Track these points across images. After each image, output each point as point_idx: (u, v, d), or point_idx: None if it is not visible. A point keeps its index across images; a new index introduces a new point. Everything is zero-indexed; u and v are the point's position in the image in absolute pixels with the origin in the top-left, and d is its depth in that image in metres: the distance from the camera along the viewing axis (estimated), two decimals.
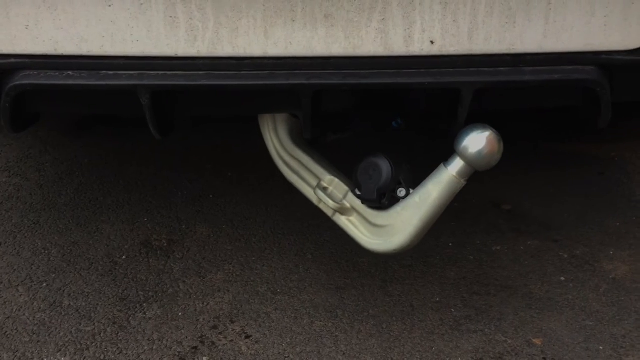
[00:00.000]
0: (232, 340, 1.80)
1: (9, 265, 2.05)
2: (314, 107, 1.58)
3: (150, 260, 2.07)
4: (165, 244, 2.14)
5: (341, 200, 1.72)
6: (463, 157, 1.55)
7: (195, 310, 1.89)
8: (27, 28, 1.48)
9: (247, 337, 1.81)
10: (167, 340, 1.80)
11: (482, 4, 1.47)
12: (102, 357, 1.75)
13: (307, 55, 1.51)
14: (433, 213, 1.61)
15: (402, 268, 2.04)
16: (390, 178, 1.64)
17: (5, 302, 1.91)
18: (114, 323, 1.85)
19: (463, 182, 1.59)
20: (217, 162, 2.54)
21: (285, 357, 1.75)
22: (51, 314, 1.87)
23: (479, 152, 1.54)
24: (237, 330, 1.83)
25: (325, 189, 1.74)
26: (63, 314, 1.87)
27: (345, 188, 1.73)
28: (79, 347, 1.77)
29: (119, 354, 1.75)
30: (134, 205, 2.31)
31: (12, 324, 1.84)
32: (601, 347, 1.78)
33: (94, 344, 1.78)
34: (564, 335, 1.82)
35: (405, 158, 1.70)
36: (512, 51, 1.52)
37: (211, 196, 2.36)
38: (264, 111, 1.79)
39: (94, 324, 1.84)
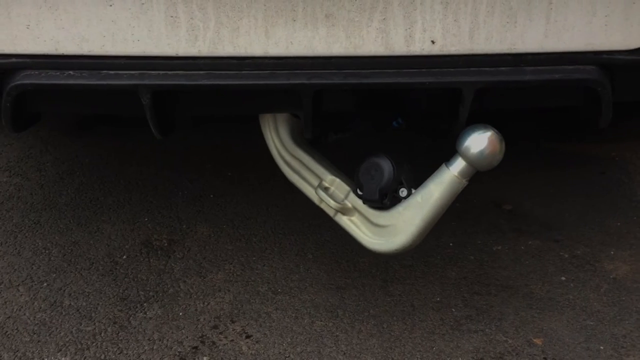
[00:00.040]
0: (232, 340, 1.80)
1: (10, 265, 2.05)
2: (314, 106, 1.58)
3: (151, 260, 2.07)
4: (166, 244, 2.14)
5: (343, 200, 1.72)
6: (465, 157, 1.55)
7: (196, 310, 1.89)
8: (28, 28, 1.48)
9: (248, 336, 1.81)
10: (168, 340, 1.80)
11: (483, 3, 1.47)
12: (102, 356, 1.75)
13: (308, 54, 1.51)
14: (435, 213, 1.61)
15: (402, 268, 2.04)
16: (392, 178, 1.64)
17: (5, 302, 1.91)
18: (115, 323, 1.85)
19: (465, 182, 1.59)
20: (217, 162, 2.54)
21: (286, 357, 1.75)
22: (52, 313, 1.87)
23: (481, 152, 1.54)
24: (238, 330, 1.83)
25: (326, 189, 1.74)
26: (63, 313, 1.87)
27: (347, 188, 1.73)
28: (79, 346, 1.77)
29: (119, 353, 1.75)
30: (135, 205, 2.31)
31: (13, 324, 1.84)
32: (602, 347, 1.78)
33: (94, 344, 1.78)
34: (565, 335, 1.82)
35: (406, 158, 1.70)
36: (513, 51, 1.52)
37: (212, 196, 2.36)
38: (265, 111, 1.79)
39: (95, 323, 1.84)
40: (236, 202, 2.33)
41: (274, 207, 2.30)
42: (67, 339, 1.79)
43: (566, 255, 2.10)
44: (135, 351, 1.76)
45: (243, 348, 1.78)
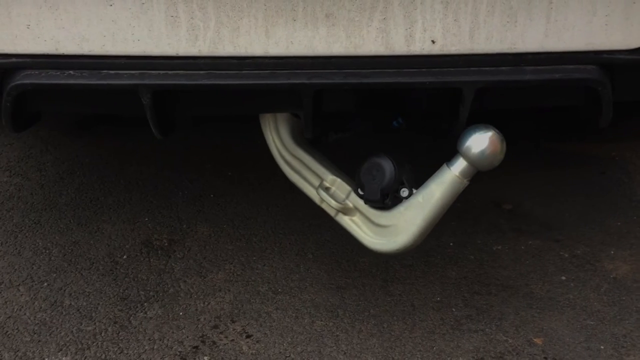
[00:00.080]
0: (233, 340, 1.80)
1: (10, 265, 2.05)
2: (315, 106, 1.58)
3: (151, 260, 2.07)
4: (166, 244, 2.14)
5: (344, 200, 1.72)
6: (466, 157, 1.56)
7: (196, 309, 1.89)
8: (28, 27, 1.48)
9: (248, 336, 1.81)
10: (168, 340, 1.80)
11: (484, 3, 1.47)
12: (103, 356, 1.75)
13: (308, 54, 1.51)
14: (436, 213, 1.61)
15: (403, 268, 2.04)
16: (393, 178, 1.64)
17: (6, 302, 1.91)
18: (115, 322, 1.85)
19: (466, 182, 1.59)
20: (217, 162, 2.54)
21: (286, 357, 1.75)
22: (52, 313, 1.87)
23: (482, 152, 1.54)
24: (238, 330, 1.83)
25: (327, 189, 1.74)
26: (64, 313, 1.87)
27: (348, 188, 1.73)
28: (80, 346, 1.77)
29: (119, 353, 1.75)
30: (135, 204, 2.31)
31: (13, 324, 1.84)
32: (602, 347, 1.78)
33: (95, 344, 1.78)
34: (565, 334, 1.82)
35: (407, 158, 1.70)
36: (514, 50, 1.52)
37: (212, 196, 2.36)
38: (265, 110, 1.79)
39: (95, 323, 1.84)
40: (236, 202, 2.33)
41: (274, 206, 2.30)
42: (67, 339, 1.79)
43: (566, 255, 2.10)
44: (135, 351, 1.76)
45: (243, 348, 1.78)
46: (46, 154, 2.60)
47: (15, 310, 1.88)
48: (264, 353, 1.76)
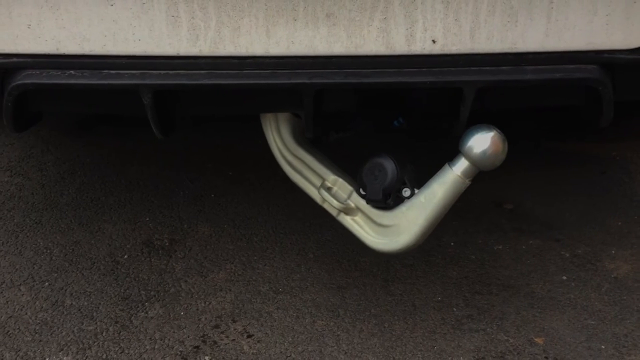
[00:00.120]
0: (234, 340, 1.80)
1: (11, 265, 2.05)
2: (315, 106, 1.58)
3: (152, 260, 2.07)
4: (167, 244, 2.14)
5: (346, 200, 1.73)
6: (468, 157, 1.56)
7: (197, 309, 1.89)
8: (29, 27, 1.49)
9: (249, 336, 1.81)
10: (169, 340, 1.80)
11: (484, 3, 1.47)
12: (104, 356, 1.75)
13: (308, 54, 1.51)
14: (438, 213, 1.62)
15: (403, 267, 2.04)
16: (395, 178, 1.65)
17: (7, 302, 1.91)
18: (116, 322, 1.85)
19: (468, 182, 1.60)
20: (218, 162, 2.54)
21: (287, 357, 1.75)
22: (53, 313, 1.87)
23: (484, 152, 1.55)
24: (239, 330, 1.83)
25: (329, 189, 1.75)
26: (65, 313, 1.87)
27: (350, 188, 1.73)
28: (81, 346, 1.77)
29: (121, 353, 1.76)
30: (136, 204, 2.31)
31: (15, 323, 1.84)
32: (603, 346, 1.78)
33: (96, 343, 1.78)
34: (566, 334, 1.82)
35: (408, 158, 1.70)
36: (514, 50, 1.52)
37: (212, 195, 2.37)
38: (266, 110, 1.79)
39: (96, 323, 1.84)
40: (237, 201, 2.33)
41: (274, 206, 2.30)
42: (68, 339, 1.80)
43: (567, 255, 2.10)
44: (136, 351, 1.76)
45: (244, 347, 1.78)
46: (47, 154, 2.60)
47: (16, 310, 1.89)
48: (265, 353, 1.76)
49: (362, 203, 1.71)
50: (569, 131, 2.74)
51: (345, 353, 1.76)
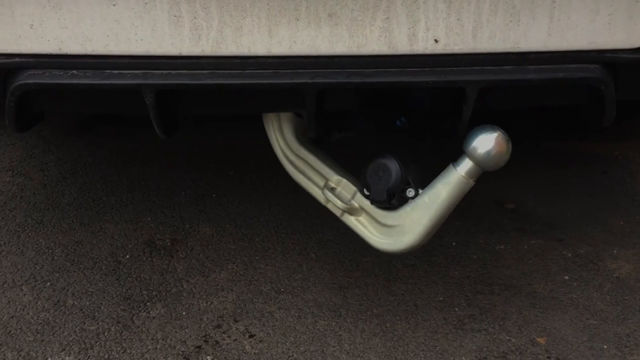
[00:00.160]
0: (235, 340, 1.80)
1: (13, 265, 2.05)
2: (318, 106, 1.58)
3: (154, 260, 2.07)
4: (169, 244, 2.14)
5: (349, 201, 1.73)
6: (472, 158, 1.56)
7: (199, 309, 1.89)
8: (31, 27, 1.49)
9: (251, 336, 1.81)
10: (171, 340, 1.80)
11: (487, 2, 1.47)
12: (106, 356, 1.75)
13: (311, 54, 1.51)
14: (442, 213, 1.62)
15: (405, 267, 2.04)
16: (399, 179, 1.65)
17: (9, 301, 1.91)
18: (118, 322, 1.85)
19: (472, 183, 1.60)
20: (219, 162, 2.54)
21: (289, 356, 1.75)
22: (55, 313, 1.87)
23: (488, 153, 1.55)
24: (241, 329, 1.83)
25: (333, 189, 1.75)
26: (67, 313, 1.87)
27: (353, 188, 1.73)
28: (83, 346, 1.77)
29: (122, 353, 1.76)
30: (138, 204, 2.31)
31: (16, 323, 1.84)
32: (605, 346, 1.78)
33: (98, 343, 1.78)
34: (568, 334, 1.82)
35: (412, 158, 1.70)
36: (517, 50, 1.52)
37: (214, 195, 2.37)
38: (268, 110, 1.79)
39: (98, 323, 1.84)
40: (239, 201, 2.33)
41: (276, 206, 2.30)
42: (70, 339, 1.80)
43: (569, 255, 2.10)
44: (138, 350, 1.76)
45: (246, 347, 1.78)
46: (49, 154, 2.60)
47: (18, 309, 1.89)
48: (266, 352, 1.76)
49: (366, 203, 1.71)
50: (570, 131, 2.74)
51: (347, 353, 1.76)
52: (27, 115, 1.64)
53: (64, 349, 1.77)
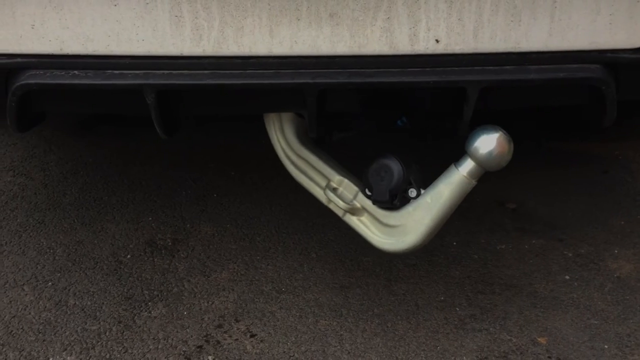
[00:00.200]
0: (237, 339, 1.80)
1: (14, 265, 2.05)
2: (319, 106, 1.58)
3: (155, 260, 2.08)
4: (170, 243, 2.14)
5: (351, 201, 1.73)
6: (474, 158, 1.57)
7: (200, 309, 1.89)
8: (33, 27, 1.49)
9: (252, 335, 1.81)
10: (173, 339, 1.80)
11: (488, 2, 1.47)
12: (107, 356, 1.75)
13: (312, 54, 1.51)
14: (444, 213, 1.63)
15: (406, 267, 2.04)
16: (401, 179, 1.66)
17: (10, 301, 1.91)
18: (119, 322, 1.85)
19: (474, 183, 1.61)
20: (220, 161, 2.54)
21: (290, 356, 1.75)
22: (56, 312, 1.88)
23: (490, 153, 1.56)
24: (242, 329, 1.83)
25: (335, 190, 1.75)
26: (68, 312, 1.88)
27: (355, 188, 1.74)
28: (84, 346, 1.78)
29: (124, 352, 1.76)
30: (139, 204, 2.32)
31: (18, 323, 1.84)
32: (606, 346, 1.78)
33: (99, 343, 1.78)
34: (569, 334, 1.82)
35: (413, 157, 1.70)
36: (518, 49, 1.52)
37: (215, 195, 2.37)
38: (269, 110, 1.79)
39: (100, 322, 1.84)
40: (240, 201, 2.34)
41: (277, 206, 2.31)
42: (72, 338, 1.80)
43: (570, 254, 2.10)
44: (140, 350, 1.76)
45: (247, 347, 1.78)
46: (50, 154, 2.60)
47: (20, 309, 1.89)
48: (268, 352, 1.76)
49: (368, 203, 1.71)
50: (571, 131, 2.74)
51: (349, 353, 1.76)
52: (28, 115, 1.64)
53: (66, 349, 1.77)
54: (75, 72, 1.52)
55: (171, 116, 1.65)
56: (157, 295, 1.94)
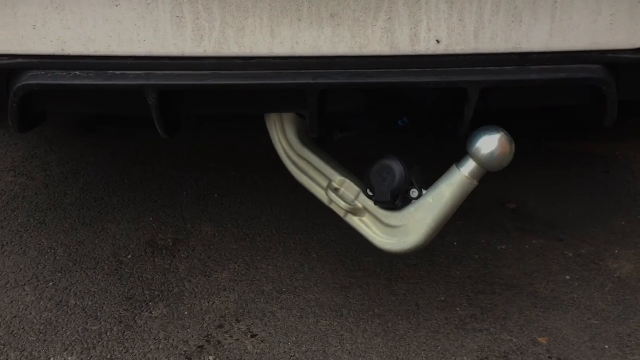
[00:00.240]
0: (238, 340, 1.80)
1: (16, 265, 2.05)
2: (320, 106, 1.58)
3: (156, 260, 2.08)
4: (171, 243, 2.15)
5: (353, 202, 1.73)
6: (475, 159, 1.57)
7: (201, 309, 1.89)
8: (34, 28, 1.49)
9: (253, 336, 1.81)
10: (174, 340, 1.80)
11: (489, 3, 1.47)
12: (108, 356, 1.75)
13: (313, 54, 1.52)
14: (446, 213, 1.63)
15: (407, 267, 2.04)
16: (403, 180, 1.66)
17: (12, 302, 1.92)
18: (121, 322, 1.85)
19: (475, 183, 1.61)
20: (221, 162, 2.54)
21: (291, 356, 1.76)
22: (58, 313, 1.88)
23: (491, 154, 1.56)
24: (243, 329, 1.83)
25: (336, 190, 1.75)
26: (69, 313, 1.88)
27: (357, 189, 1.74)
28: (85, 346, 1.78)
29: (125, 353, 1.76)
30: (140, 204, 2.32)
31: (19, 323, 1.84)
32: (607, 346, 1.78)
33: (100, 343, 1.78)
34: (570, 334, 1.82)
35: (415, 158, 1.71)
36: (518, 50, 1.52)
37: (216, 195, 2.37)
38: (270, 110, 1.80)
39: (101, 323, 1.85)
40: (240, 201, 2.34)
41: (278, 206, 2.31)
42: (73, 339, 1.80)
43: (570, 255, 2.11)
44: (141, 350, 1.77)
45: (248, 347, 1.78)
46: (51, 154, 2.60)
47: (21, 310, 1.89)
48: (269, 352, 1.76)
49: (369, 204, 1.71)
50: (571, 131, 2.74)
51: (349, 353, 1.76)
52: (29, 115, 1.64)
53: (67, 349, 1.77)
54: (77, 72, 1.52)
55: (172, 116, 1.65)
56: (158, 296, 1.94)
